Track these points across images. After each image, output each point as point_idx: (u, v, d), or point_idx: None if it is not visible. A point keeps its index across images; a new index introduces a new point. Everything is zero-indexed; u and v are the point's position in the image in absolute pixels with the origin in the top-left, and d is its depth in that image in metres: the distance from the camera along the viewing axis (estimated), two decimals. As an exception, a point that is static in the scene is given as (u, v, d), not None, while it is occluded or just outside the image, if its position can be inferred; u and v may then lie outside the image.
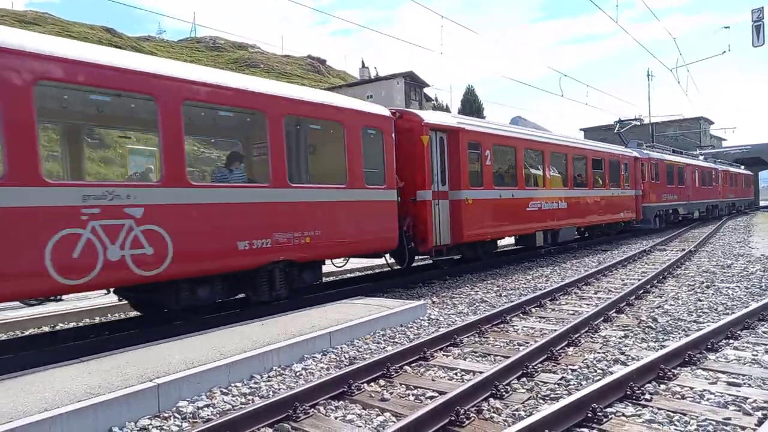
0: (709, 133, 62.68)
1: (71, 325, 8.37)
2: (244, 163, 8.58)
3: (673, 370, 4.74)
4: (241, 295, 7.93)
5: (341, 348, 6.03)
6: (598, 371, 4.96)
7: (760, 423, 3.64)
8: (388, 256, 10.80)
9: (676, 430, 3.66)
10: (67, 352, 5.83)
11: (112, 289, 6.92)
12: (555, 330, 6.15)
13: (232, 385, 4.84)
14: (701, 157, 33.95)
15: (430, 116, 11.04)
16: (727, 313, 6.98)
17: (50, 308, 8.56)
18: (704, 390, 4.33)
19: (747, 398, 4.12)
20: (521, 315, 7.53)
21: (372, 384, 4.85)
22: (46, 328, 8.25)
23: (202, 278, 6.94)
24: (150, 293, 6.84)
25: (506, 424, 3.87)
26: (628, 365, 4.85)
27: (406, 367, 5.28)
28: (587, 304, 8.13)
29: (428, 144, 10.49)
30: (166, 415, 4.23)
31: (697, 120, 57.01)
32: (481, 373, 4.71)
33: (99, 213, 5.65)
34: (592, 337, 6.21)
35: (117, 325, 7.91)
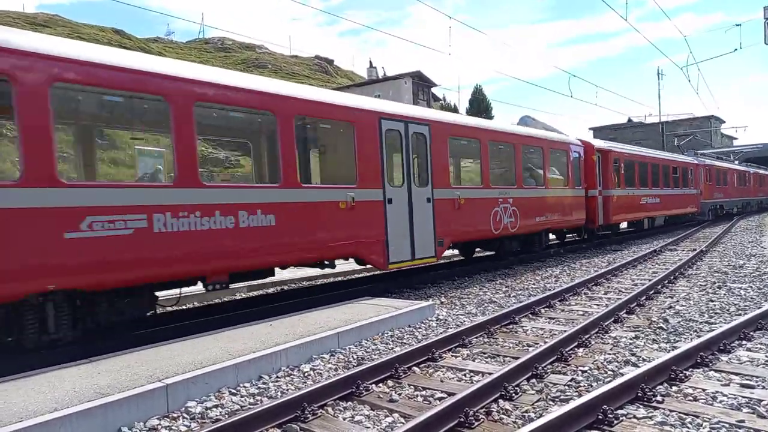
0: (720, 132, 62.14)
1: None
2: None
3: (685, 372, 4.69)
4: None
5: (349, 348, 6.02)
6: (609, 373, 4.92)
7: (774, 426, 3.58)
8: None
9: (688, 432, 3.61)
10: (76, 352, 5.86)
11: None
12: (565, 331, 6.10)
13: (241, 385, 4.84)
14: (736, 162, 38.33)
15: (597, 143, 17.67)
16: (740, 314, 6.90)
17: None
18: (717, 392, 4.27)
19: (761, 400, 4.06)
20: (530, 316, 7.48)
21: (380, 385, 4.83)
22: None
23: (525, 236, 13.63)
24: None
25: (516, 425, 3.84)
26: (639, 366, 4.80)
27: (415, 368, 5.26)
28: (597, 305, 8.07)
29: (595, 161, 16.96)
30: (175, 415, 4.24)
31: (708, 119, 56.55)
32: (490, 374, 4.68)
33: (502, 200, 12.20)
34: (602, 338, 6.16)
35: (125, 325, 7.93)
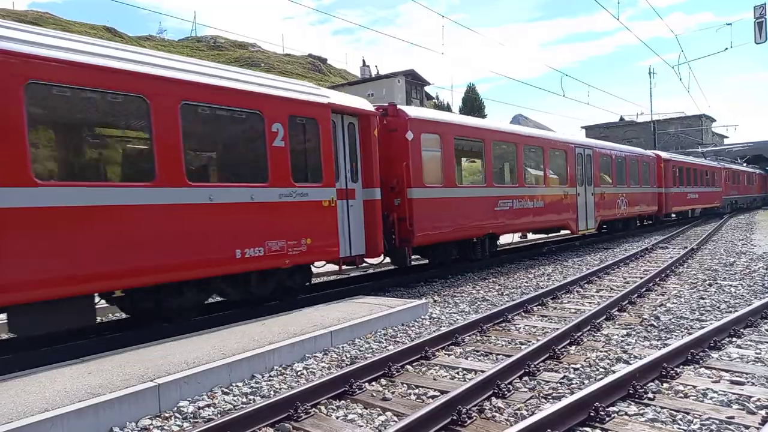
0: (710, 130, 62.58)
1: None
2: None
3: (675, 369, 4.72)
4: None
5: (342, 347, 6.02)
6: (601, 370, 4.94)
7: (764, 422, 3.62)
8: None
9: (679, 429, 3.64)
10: (67, 352, 5.83)
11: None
12: (557, 328, 6.13)
13: (233, 384, 4.83)
14: (744, 164, 44.67)
15: (663, 155, 24.86)
16: (730, 311, 6.95)
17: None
18: (707, 388, 4.31)
19: (750, 397, 4.10)
20: (523, 314, 7.51)
21: (373, 383, 4.83)
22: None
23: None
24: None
25: (508, 423, 3.85)
26: (630, 364, 4.83)
27: (408, 367, 5.26)
28: (589, 303, 8.11)
29: (662, 167, 23.82)
30: (167, 415, 4.22)
31: (699, 117, 56.92)
32: (482, 372, 4.69)
33: (623, 195, 19.11)
34: (594, 336, 6.19)
35: (118, 325, 7.90)
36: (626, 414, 3.91)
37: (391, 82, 47.66)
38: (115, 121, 6.55)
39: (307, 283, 8.72)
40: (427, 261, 11.93)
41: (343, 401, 4.45)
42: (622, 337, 6.08)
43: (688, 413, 3.86)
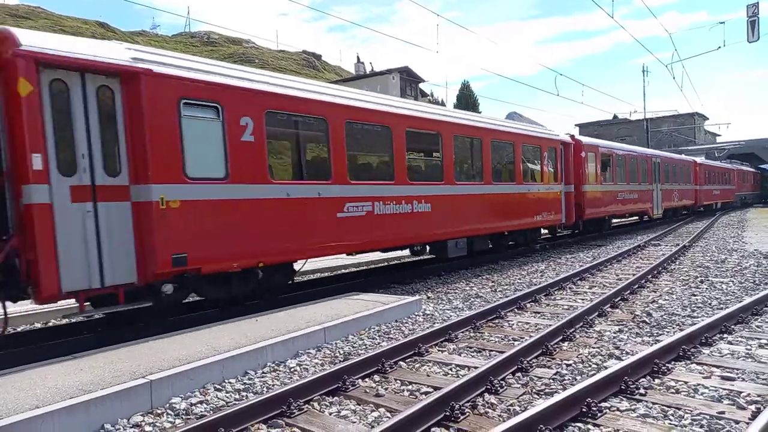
0: (703, 128, 62.94)
1: (64, 321, 8.31)
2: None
3: (667, 365, 4.75)
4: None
5: (336, 344, 6.01)
6: (593, 366, 4.96)
7: (753, 417, 3.64)
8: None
9: (670, 424, 3.66)
10: (59, 348, 5.79)
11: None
12: (550, 325, 6.15)
13: (226, 381, 4.81)
14: (747, 164, 48.55)
15: (698, 160, 31.08)
16: (721, 308, 7.00)
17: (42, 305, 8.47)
18: (698, 384, 4.34)
19: (741, 392, 4.13)
20: (516, 310, 7.53)
21: (367, 379, 4.83)
22: (38, 325, 8.20)
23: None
24: None
25: (501, 419, 3.86)
26: (622, 360, 4.86)
27: (401, 363, 5.26)
28: (582, 299, 8.14)
29: (698, 170, 30.24)
30: (159, 411, 4.20)
31: (692, 116, 57.21)
32: (476, 368, 4.70)
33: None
34: (586, 332, 6.21)
35: (109, 321, 7.85)
36: (618, 409, 3.93)
37: (386, 78, 47.60)
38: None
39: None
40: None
41: (336, 397, 4.44)
42: (614, 333, 6.11)
43: (679, 409, 3.88)
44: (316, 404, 4.29)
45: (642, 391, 4.22)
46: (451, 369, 5.08)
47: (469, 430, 3.72)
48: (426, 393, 4.42)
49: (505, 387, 4.48)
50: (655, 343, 5.30)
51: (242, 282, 7.51)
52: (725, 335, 5.75)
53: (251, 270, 7.49)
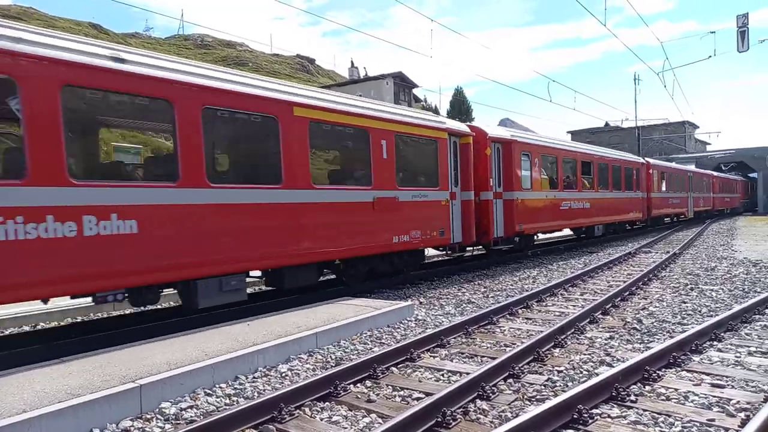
0: (693, 137, 63.53)
1: (53, 324, 8.23)
2: None
3: (658, 372, 4.77)
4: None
5: (327, 349, 5.99)
6: (584, 372, 4.97)
7: (743, 424, 3.66)
8: None
9: (660, 431, 3.68)
10: (47, 352, 5.73)
11: None
12: (541, 331, 6.16)
13: (217, 386, 4.78)
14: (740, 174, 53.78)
15: (715, 174, 41.07)
16: (711, 316, 7.04)
17: (33, 306, 8.41)
18: (689, 391, 4.36)
19: (730, 399, 4.15)
20: (508, 316, 7.54)
21: (358, 385, 4.81)
22: (26, 328, 8.11)
23: None
24: None
25: (493, 425, 3.86)
26: (613, 366, 4.87)
27: (393, 368, 5.25)
28: (573, 306, 8.17)
29: (716, 180, 41.98)
30: (148, 416, 4.16)
31: (683, 124, 57.74)
32: (467, 374, 4.70)
33: None
34: (578, 339, 6.23)
35: (99, 324, 7.79)
36: (609, 416, 3.94)
37: (380, 83, 47.72)
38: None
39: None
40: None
41: (327, 403, 4.42)
42: (605, 340, 6.13)
43: (669, 416, 3.90)
44: (307, 409, 4.27)
45: (633, 397, 4.24)
46: (443, 375, 5.08)
47: (460, 437, 3.71)
48: (418, 399, 4.41)
49: (497, 393, 4.48)
50: (646, 350, 5.32)
51: None
52: (715, 342, 5.79)
53: None
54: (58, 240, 5.36)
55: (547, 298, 8.79)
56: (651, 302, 8.26)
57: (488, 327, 6.95)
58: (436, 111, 51.14)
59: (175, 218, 6.39)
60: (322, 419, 4.10)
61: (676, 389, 4.42)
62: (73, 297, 6.32)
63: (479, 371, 4.61)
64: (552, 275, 11.72)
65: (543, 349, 5.55)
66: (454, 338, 6.34)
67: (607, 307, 7.73)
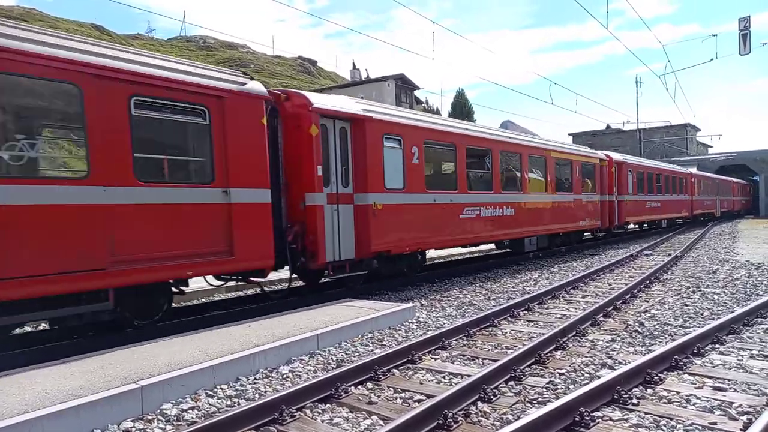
0: (695, 140, 63.46)
1: (55, 325, 8.22)
2: None
3: (659, 375, 4.76)
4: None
5: (329, 350, 5.99)
6: (586, 375, 4.97)
7: (745, 427, 3.65)
8: None
9: (662, 434, 3.67)
10: (49, 352, 5.73)
11: None
12: (543, 334, 6.15)
13: (218, 387, 4.78)
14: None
15: (740, 181, 52.11)
16: (713, 318, 7.03)
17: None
18: (690, 394, 4.35)
19: (732, 403, 4.14)
20: (509, 318, 7.53)
21: (359, 387, 4.81)
22: (28, 328, 8.11)
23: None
24: None
25: (494, 428, 3.86)
26: (615, 369, 4.86)
27: (394, 370, 5.25)
28: (575, 308, 8.16)
29: (748, 189, 56.16)
30: (149, 417, 4.16)
31: (684, 127, 57.67)
32: (469, 376, 4.69)
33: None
34: (579, 341, 6.22)
35: (101, 325, 7.78)
36: (610, 419, 3.93)
37: (381, 85, 47.73)
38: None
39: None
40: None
41: (328, 405, 4.42)
42: (607, 342, 6.12)
43: (671, 419, 3.89)
44: (308, 411, 4.27)
45: (634, 400, 4.23)
46: (444, 377, 5.07)
47: (462, 439, 3.71)
48: (419, 401, 4.40)
49: (498, 395, 4.47)
50: (648, 353, 5.31)
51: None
52: (717, 346, 5.78)
53: None
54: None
55: (549, 301, 8.78)
56: (653, 305, 8.25)
57: (489, 329, 6.94)
58: (437, 112, 51.16)
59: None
60: (323, 421, 4.10)
61: (678, 392, 4.41)
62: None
63: (480, 373, 4.60)
64: (553, 277, 11.71)
65: (544, 352, 5.54)
66: (456, 340, 6.34)
67: (609, 309, 7.72)
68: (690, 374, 4.88)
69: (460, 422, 3.94)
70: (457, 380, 4.89)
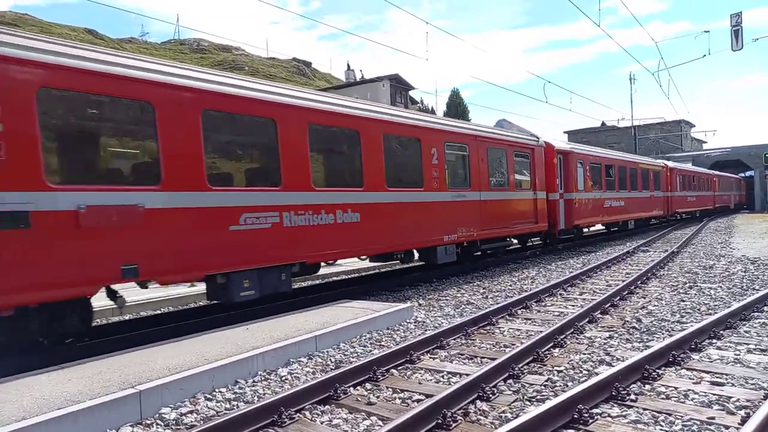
0: (690, 135, 63.70)
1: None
2: None
3: (657, 371, 4.78)
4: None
5: (327, 352, 5.99)
6: (584, 372, 4.98)
7: (743, 422, 3.67)
8: None
9: (661, 430, 3.68)
10: (47, 358, 5.71)
11: None
12: (541, 331, 6.17)
13: (217, 390, 4.77)
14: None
15: (737, 177, 55.53)
16: (710, 314, 7.06)
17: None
18: (688, 390, 4.36)
19: (730, 397, 4.16)
20: (507, 317, 7.54)
21: (358, 388, 4.81)
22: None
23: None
24: None
25: (493, 426, 3.86)
26: (613, 366, 4.87)
27: (393, 371, 5.25)
28: (572, 306, 8.17)
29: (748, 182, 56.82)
30: (148, 422, 4.15)
31: (678, 123, 57.86)
32: (467, 375, 4.70)
33: None
34: (577, 339, 6.24)
35: (99, 330, 7.76)
36: (609, 416, 3.94)
37: (376, 86, 47.72)
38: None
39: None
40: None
41: (327, 406, 4.42)
42: (604, 339, 6.13)
43: (669, 414, 3.90)
44: (307, 413, 4.26)
45: (633, 396, 4.24)
46: (443, 376, 5.08)
47: (461, 438, 3.71)
48: (418, 400, 4.41)
49: (497, 394, 4.48)
50: (646, 349, 5.32)
51: None
52: (714, 340, 5.80)
53: None
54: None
55: (546, 299, 8.80)
56: (650, 301, 8.27)
57: (487, 328, 6.94)
58: (432, 112, 51.17)
59: None
60: (322, 422, 4.10)
61: (676, 388, 4.42)
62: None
63: (479, 372, 4.61)
64: (551, 275, 11.73)
65: (542, 350, 5.55)
66: (454, 339, 6.34)
67: (606, 306, 7.74)
68: (688, 369, 4.90)
69: (460, 421, 3.95)
70: (455, 379, 4.90)
